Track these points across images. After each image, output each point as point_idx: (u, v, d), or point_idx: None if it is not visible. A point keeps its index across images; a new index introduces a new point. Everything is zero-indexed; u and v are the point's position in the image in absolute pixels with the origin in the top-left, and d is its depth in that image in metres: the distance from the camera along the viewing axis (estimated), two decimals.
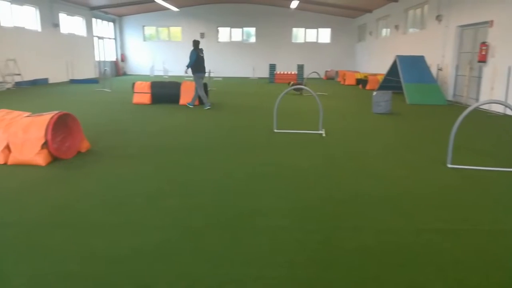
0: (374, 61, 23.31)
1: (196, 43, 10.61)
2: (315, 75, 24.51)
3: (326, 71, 27.82)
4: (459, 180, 4.71)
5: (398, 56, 14.06)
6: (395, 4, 19.59)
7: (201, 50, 10.63)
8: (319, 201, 3.95)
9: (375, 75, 19.28)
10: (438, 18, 14.49)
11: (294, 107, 11.41)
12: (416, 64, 13.83)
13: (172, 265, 2.70)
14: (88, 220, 3.45)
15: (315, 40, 29.26)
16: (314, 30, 29.07)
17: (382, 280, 2.55)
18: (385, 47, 21.45)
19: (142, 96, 11.80)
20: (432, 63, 14.53)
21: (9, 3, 17.26)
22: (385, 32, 22.06)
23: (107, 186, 4.38)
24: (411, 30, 18.28)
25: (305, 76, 22.41)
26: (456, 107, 12.10)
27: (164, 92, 11.77)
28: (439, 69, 14.40)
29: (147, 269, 2.65)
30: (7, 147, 5.20)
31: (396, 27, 19.54)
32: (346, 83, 21.70)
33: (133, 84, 12.06)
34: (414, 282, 2.54)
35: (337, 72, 26.11)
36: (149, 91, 11.76)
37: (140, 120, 8.86)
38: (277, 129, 7.64)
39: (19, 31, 17.81)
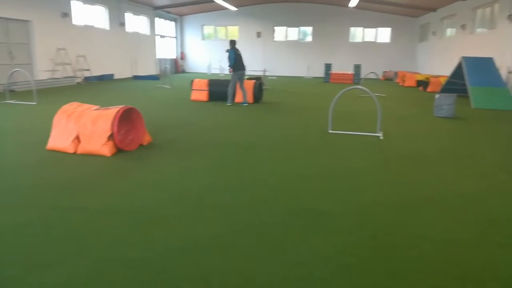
0: (437, 62, 22.20)
1: (233, 43, 11.11)
2: (372, 76, 23.82)
3: (384, 71, 26.94)
4: None
5: (464, 58, 13.29)
6: (462, 2, 18.52)
7: (237, 49, 11.10)
8: (376, 205, 3.85)
9: (437, 77, 18.36)
10: (510, 17, 13.50)
11: (350, 107, 11.18)
12: (484, 66, 12.98)
13: (226, 260, 2.77)
14: (149, 210, 3.63)
15: (373, 40, 28.44)
16: (373, 30, 28.24)
17: None
18: (449, 47, 20.36)
19: (200, 93, 12.15)
20: (502, 65, 13.57)
21: (82, 2, 18.49)
22: (449, 32, 20.94)
23: (167, 178, 4.57)
24: (479, 30, 17.20)
25: (362, 76, 21.85)
26: None
27: (221, 90, 12.02)
28: (510, 72, 13.41)
29: (203, 262, 2.74)
30: (77, 138, 5.59)
31: (463, 26, 18.47)
32: (406, 84, 20.86)
33: (192, 81, 12.44)
34: None
35: (396, 73, 25.18)
36: (206, 88, 12.08)
37: (198, 117, 9.13)
38: (331, 130, 7.54)
39: (89, 29, 19.04)
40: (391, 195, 4.16)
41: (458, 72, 13.80)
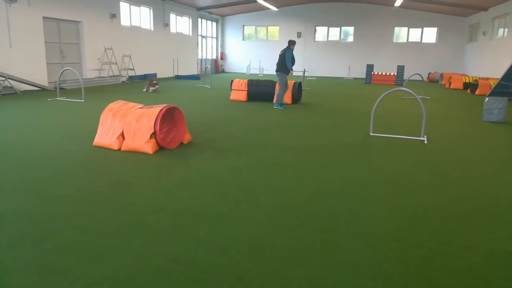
0: (487, 63, 21.13)
1: (292, 43, 10.66)
2: (417, 77, 23.04)
3: (429, 73, 25.97)
4: None
5: None
6: None
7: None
8: (422, 212, 3.70)
9: (486, 79, 17.46)
10: None
11: (392, 110, 10.86)
12: None
13: (266, 261, 2.75)
14: (190, 207, 3.68)
15: (418, 40, 27.49)
16: (418, 30, 27.30)
17: None
18: (500, 49, 19.30)
19: (239, 93, 12.23)
20: None
21: (129, 4, 19.15)
22: (502, 32, 19.86)
23: (207, 176, 4.62)
24: None
25: (405, 78, 21.19)
26: None
27: (260, 90, 12.05)
28: None
29: (242, 261, 2.74)
30: (122, 135, 5.78)
31: None
32: (452, 87, 20.00)
33: (232, 81, 12.56)
34: None
35: (441, 74, 24.21)
36: (245, 88, 12.15)
37: (236, 116, 9.20)
38: (373, 133, 7.35)
39: (135, 29, 19.69)
40: (436, 203, 3.98)
41: (510, 74, 13.05)
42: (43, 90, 13.57)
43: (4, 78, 12.16)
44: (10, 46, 12.77)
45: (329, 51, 28.83)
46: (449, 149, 6.43)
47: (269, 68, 28.74)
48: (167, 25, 22.44)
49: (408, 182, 4.64)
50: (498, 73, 15.77)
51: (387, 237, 3.17)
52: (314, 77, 25.97)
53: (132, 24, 19.53)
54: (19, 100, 11.15)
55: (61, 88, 13.29)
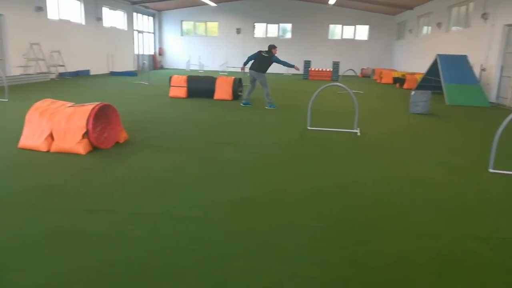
0: (413, 59, 22.62)
1: (274, 47, 10.70)
2: (351, 73, 24.10)
3: (362, 69, 27.28)
4: (500, 186, 4.51)
5: (439, 55, 13.58)
6: (438, 1, 18.90)
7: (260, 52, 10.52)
8: (358, 201, 3.89)
9: (413, 74, 18.72)
10: (484, 16, 13.86)
11: (329, 105, 11.27)
12: (458, 63, 13.31)
13: (206, 259, 2.74)
14: (126, 209, 3.56)
15: (352, 37, 28.74)
16: (352, 27, 28.54)
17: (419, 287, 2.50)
18: (425, 45, 20.77)
19: (179, 90, 12.01)
20: (475, 63, 13.93)
21: None
22: (426, 30, 21.35)
23: (144, 176, 4.49)
24: (454, 28, 17.59)
25: (340, 73, 22.08)
26: (500, 109, 11.56)
27: (200, 86, 11.93)
28: (483, 70, 13.79)
29: (182, 260, 2.70)
30: (51, 135, 5.44)
31: (438, 25, 18.85)
32: (383, 81, 21.20)
33: (170, 77, 12.29)
34: None
35: (373, 70, 25.53)
36: (185, 85, 11.95)
37: (176, 114, 9.03)
38: (310, 127, 7.58)
39: (64, 24, 18.55)
40: (369, 191, 4.21)
41: (433, 69, 14.10)
42: None
43: None
44: None
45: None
46: (380, 140, 6.82)
47: (209, 64, 28.56)
48: (100, 19, 21.40)
49: (342, 172, 4.85)
50: (423, 68, 16.95)
51: (325, 227, 3.29)
52: None
53: (61, 17, 18.37)
54: None
55: None
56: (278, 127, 7.72)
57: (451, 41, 17.28)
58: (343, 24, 28.46)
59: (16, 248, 2.79)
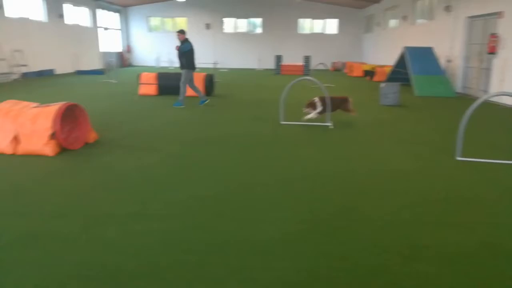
0: (382, 52, 23.09)
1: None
2: (321, 67, 24.34)
3: (333, 62, 27.62)
4: (466, 173, 4.67)
5: (406, 48, 13.91)
6: None
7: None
8: (328, 192, 3.93)
9: (382, 66, 19.11)
10: (447, 8, 14.27)
11: (301, 99, 11.34)
12: (425, 55, 13.67)
13: (180, 256, 2.70)
14: (98, 210, 3.46)
15: (322, 31, 29.02)
16: (321, 21, 28.82)
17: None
18: (392, 38, 21.23)
19: (149, 87, 11.79)
20: (441, 54, 14.35)
21: None
22: (393, 23, 21.82)
23: (115, 176, 4.38)
24: (419, 21, 18.05)
25: (311, 67, 22.27)
26: (465, 99, 11.97)
27: (171, 83, 11.73)
28: (448, 61, 14.22)
29: (156, 258, 2.65)
30: (16, 138, 5.22)
31: (404, 17, 19.30)
32: (354, 74, 21.54)
33: (139, 75, 12.04)
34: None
35: (344, 63, 25.89)
36: (155, 82, 11.74)
37: (146, 112, 8.85)
38: (283, 121, 7.60)
39: (24, 21, 17.80)
40: (339, 182, 4.26)
41: (401, 61, 14.43)
42: None
43: None
44: None
45: (238, 42, 29.09)
46: (351, 132, 6.92)
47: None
48: (61, 16, 20.65)
49: (313, 165, 4.89)
50: (391, 60, 17.33)
51: (297, 219, 3.31)
52: (226, 69, 26.05)
53: (20, 15, 17.61)
54: None
55: None
56: (251, 123, 7.69)
57: (417, 34, 17.72)
58: (313, 18, 28.69)
59: None
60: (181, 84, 9.58)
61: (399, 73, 14.98)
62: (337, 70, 26.82)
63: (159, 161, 5.01)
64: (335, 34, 28.94)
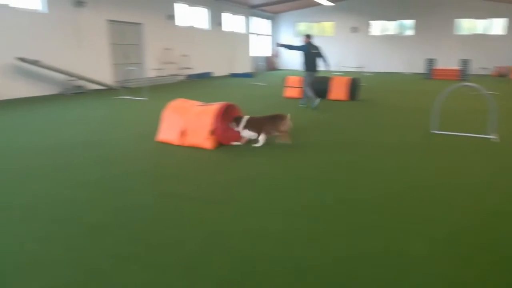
0: None
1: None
2: (483, 71, 21.65)
3: (497, 67, 24.24)
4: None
5: None
6: None
7: (314, 47, 10.21)
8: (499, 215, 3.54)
9: None
10: None
11: (455, 106, 10.31)
12: None
13: (319, 254, 2.78)
14: (247, 203, 3.79)
15: (484, 32, 25.75)
16: (485, 21, 25.56)
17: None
18: None
19: (293, 90, 12.23)
20: None
21: (187, 5, 19.80)
22: None
23: (263, 173, 4.72)
24: None
25: (470, 72, 19.97)
26: None
27: (314, 87, 11.92)
28: None
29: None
30: (184, 131, 6.04)
31: None
32: None
33: (285, 78, 12.58)
34: None
35: (509, 68, 22.50)
36: (299, 85, 12.11)
37: (291, 114, 9.19)
38: (435, 130, 7.04)
39: (191, 30, 20.31)
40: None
41: None
42: (109, 89, 14.43)
43: (75, 78, 13.09)
44: (79, 48, 13.72)
45: (386, 45, 27.86)
46: None
47: (321, 64, 28.38)
48: (219, 24, 22.87)
49: (474, 182, 4.43)
50: None
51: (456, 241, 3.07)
52: (371, 72, 25.27)
53: (188, 24, 20.14)
54: (88, 98, 11.95)
55: (125, 87, 14.06)
56: (398, 130, 7.33)
57: None
58: (475, 17, 25.64)
59: (154, 226, 3.17)
60: (304, 88, 10.12)
61: None
62: (502, 76, 23.45)
63: (306, 164, 5.19)
64: (502, 35, 25.33)
